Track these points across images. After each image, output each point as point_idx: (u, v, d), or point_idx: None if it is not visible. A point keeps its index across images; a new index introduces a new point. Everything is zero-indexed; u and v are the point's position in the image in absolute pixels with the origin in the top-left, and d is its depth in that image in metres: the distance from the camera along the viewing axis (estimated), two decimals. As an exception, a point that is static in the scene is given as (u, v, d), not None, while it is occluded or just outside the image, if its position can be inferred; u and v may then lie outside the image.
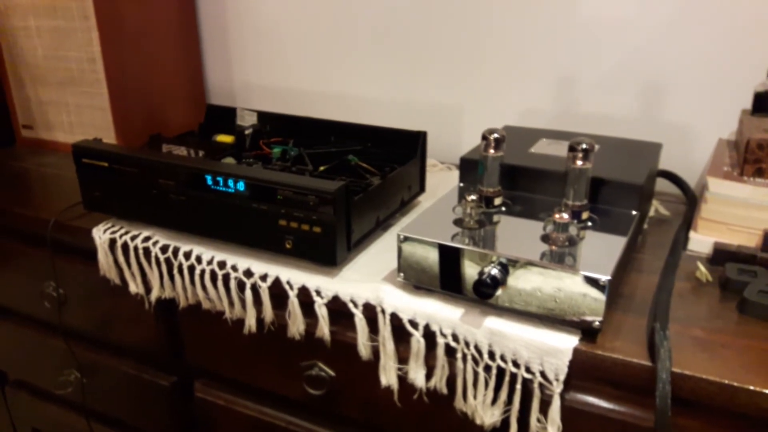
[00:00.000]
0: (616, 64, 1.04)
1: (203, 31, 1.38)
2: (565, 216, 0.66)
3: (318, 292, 0.76)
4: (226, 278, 0.81)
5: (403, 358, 0.74)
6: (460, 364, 0.69)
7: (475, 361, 0.69)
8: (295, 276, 0.77)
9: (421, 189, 0.97)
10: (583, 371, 0.64)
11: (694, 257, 0.80)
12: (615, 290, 0.69)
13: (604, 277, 0.60)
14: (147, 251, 0.87)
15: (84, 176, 0.89)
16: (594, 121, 1.08)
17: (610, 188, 0.76)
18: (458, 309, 0.69)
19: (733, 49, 0.96)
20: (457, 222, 0.73)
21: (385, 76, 1.23)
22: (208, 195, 0.80)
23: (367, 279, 0.76)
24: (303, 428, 0.89)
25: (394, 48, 1.20)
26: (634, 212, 0.75)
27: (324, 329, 0.77)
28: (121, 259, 0.89)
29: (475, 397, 0.70)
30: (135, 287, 0.90)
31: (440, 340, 0.70)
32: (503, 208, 0.77)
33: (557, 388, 0.64)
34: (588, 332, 0.64)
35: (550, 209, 0.75)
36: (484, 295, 0.65)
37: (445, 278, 0.69)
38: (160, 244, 0.86)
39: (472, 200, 0.71)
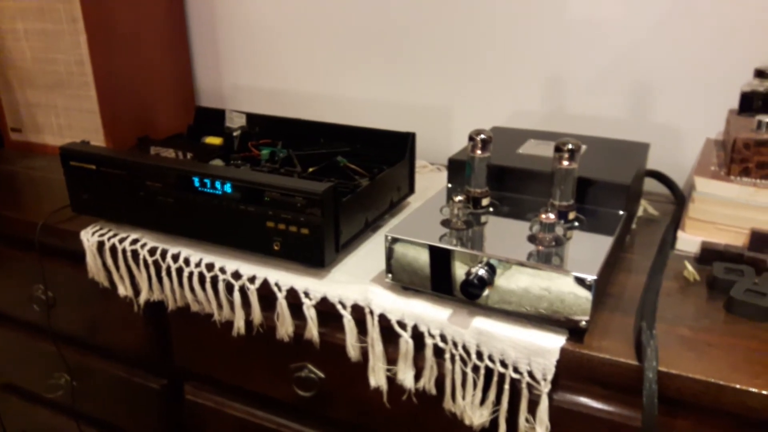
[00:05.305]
0: (605, 65, 1.04)
1: (192, 32, 1.38)
2: (551, 216, 0.66)
3: (306, 294, 0.76)
4: (214, 280, 0.81)
5: (391, 359, 0.74)
6: (448, 364, 0.69)
7: (464, 362, 0.69)
8: (283, 278, 0.77)
9: (411, 190, 0.97)
10: (570, 371, 0.64)
11: (682, 256, 0.80)
12: (602, 290, 0.69)
13: (591, 277, 0.61)
14: (135, 254, 0.86)
15: (72, 179, 0.89)
16: (583, 122, 1.09)
17: (598, 188, 0.76)
18: (446, 310, 0.69)
19: (721, 50, 0.96)
20: (445, 223, 0.73)
21: (375, 77, 1.23)
22: (196, 197, 0.80)
23: (355, 280, 0.76)
24: (293, 430, 0.89)
25: (384, 50, 1.20)
26: (621, 212, 0.75)
27: (313, 331, 0.77)
28: (109, 261, 0.89)
29: (463, 397, 0.70)
30: (124, 290, 0.90)
31: (428, 341, 0.70)
32: (491, 209, 0.77)
33: (545, 388, 0.64)
34: (575, 332, 0.64)
35: (537, 210, 0.75)
36: (471, 295, 0.65)
37: (434, 279, 0.69)
38: (148, 247, 0.85)
39: (460, 201, 0.71)
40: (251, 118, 1.08)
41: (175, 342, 0.94)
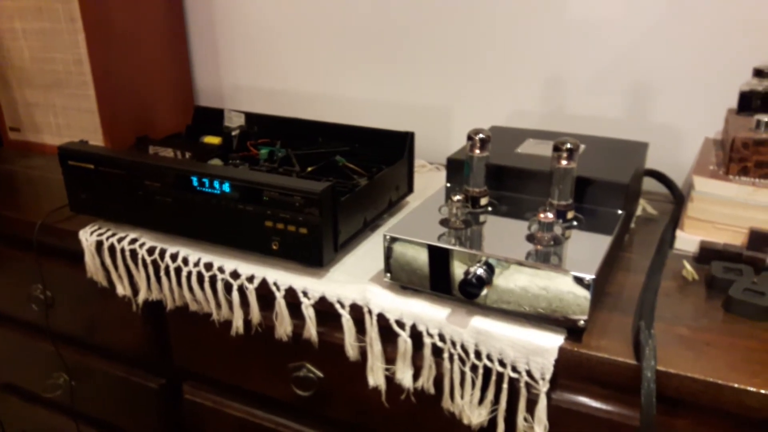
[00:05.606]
0: (604, 64, 1.04)
1: (191, 32, 1.38)
2: (550, 215, 0.66)
3: (305, 293, 0.76)
4: (213, 280, 0.81)
5: (390, 359, 0.73)
6: (447, 364, 0.69)
7: (462, 361, 0.69)
8: (281, 277, 0.77)
9: (410, 189, 0.97)
10: (569, 370, 0.64)
11: (681, 256, 0.80)
12: (600, 289, 0.69)
13: (589, 276, 0.61)
14: (134, 253, 0.86)
15: (70, 178, 0.89)
16: (582, 122, 1.09)
17: (596, 188, 0.76)
18: (445, 309, 0.69)
19: (720, 49, 0.96)
20: (444, 222, 0.73)
21: (374, 77, 1.23)
22: (195, 196, 0.80)
23: (354, 280, 0.76)
24: (291, 429, 0.89)
25: (383, 49, 1.20)
26: (619, 211, 0.75)
27: (311, 330, 0.77)
28: (108, 261, 0.89)
29: (462, 396, 0.70)
30: (122, 289, 0.90)
31: (427, 340, 0.70)
32: (489, 208, 0.77)
33: (543, 388, 0.64)
34: (574, 331, 0.64)
35: (536, 209, 0.75)
36: (469, 295, 0.65)
37: (432, 278, 0.69)
38: (146, 246, 0.85)
39: (458, 200, 0.71)
40: (250, 117, 1.08)
41: (173, 341, 0.94)
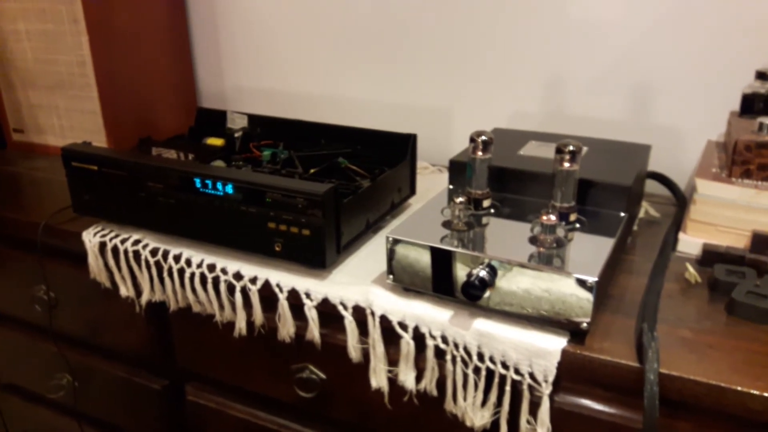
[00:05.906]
0: (606, 66, 1.04)
1: (194, 33, 1.38)
2: (552, 218, 0.66)
3: (308, 295, 0.76)
4: (215, 281, 0.81)
5: (393, 361, 0.74)
6: (449, 366, 0.69)
7: (465, 363, 0.69)
8: (284, 279, 0.77)
9: (412, 191, 0.97)
10: (571, 373, 0.64)
11: (684, 258, 0.80)
12: (603, 291, 0.69)
13: (592, 279, 0.61)
14: (137, 254, 0.86)
15: (73, 180, 0.89)
16: (584, 124, 1.09)
17: (599, 190, 0.76)
18: (447, 311, 0.69)
19: (722, 51, 0.96)
20: (446, 224, 0.73)
21: (376, 78, 1.23)
22: (197, 198, 0.80)
23: (357, 281, 0.76)
24: (294, 431, 0.89)
25: (386, 51, 1.21)
26: (622, 214, 0.75)
27: (314, 332, 0.77)
28: (111, 262, 0.89)
29: (464, 398, 0.70)
30: (125, 290, 0.90)
31: (430, 342, 0.70)
32: (492, 210, 0.77)
33: (546, 390, 0.64)
34: (576, 333, 0.64)
35: (538, 211, 0.75)
36: (472, 297, 0.65)
37: (435, 280, 0.69)
38: (149, 248, 0.85)
39: (461, 202, 0.71)
40: (253, 119, 1.08)
41: (176, 343, 0.94)
